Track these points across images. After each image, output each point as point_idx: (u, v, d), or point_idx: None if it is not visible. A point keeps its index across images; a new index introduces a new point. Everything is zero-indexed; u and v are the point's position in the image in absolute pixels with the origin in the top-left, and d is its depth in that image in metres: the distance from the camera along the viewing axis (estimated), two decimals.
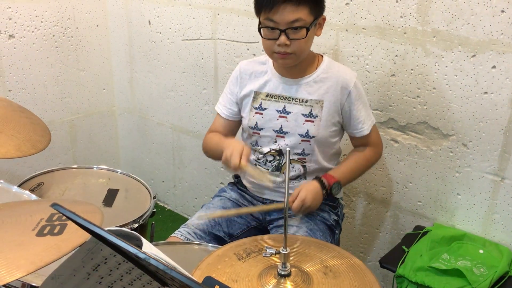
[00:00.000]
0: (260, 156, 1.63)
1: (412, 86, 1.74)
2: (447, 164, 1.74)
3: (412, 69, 1.73)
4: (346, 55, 1.87)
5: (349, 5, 1.81)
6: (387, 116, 1.83)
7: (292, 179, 1.61)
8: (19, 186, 1.68)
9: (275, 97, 1.58)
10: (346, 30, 1.84)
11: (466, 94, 1.63)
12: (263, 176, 1.61)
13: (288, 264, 1.10)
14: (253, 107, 1.61)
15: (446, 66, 1.65)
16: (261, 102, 1.60)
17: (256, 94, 1.61)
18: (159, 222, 2.69)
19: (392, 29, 1.73)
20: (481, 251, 1.61)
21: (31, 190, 1.71)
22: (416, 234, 1.74)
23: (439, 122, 1.72)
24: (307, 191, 1.50)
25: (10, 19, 2.32)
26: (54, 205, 0.66)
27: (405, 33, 1.70)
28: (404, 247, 1.67)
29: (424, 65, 1.69)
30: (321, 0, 1.46)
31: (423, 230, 1.75)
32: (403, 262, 1.60)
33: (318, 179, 1.55)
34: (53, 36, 2.50)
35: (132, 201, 1.79)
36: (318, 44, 1.92)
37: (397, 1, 1.69)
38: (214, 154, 1.64)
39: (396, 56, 1.75)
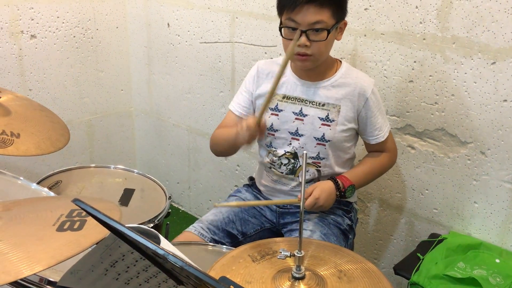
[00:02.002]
0: (275, 159, 1.63)
1: (430, 93, 1.73)
2: (465, 171, 1.73)
3: (430, 75, 1.72)
4: (364, 60, 1.87)
5: (368, 10, 1.81)
6: (404, 122, 1.82)
7: (305, 182, 1.61)
8: (38, 183, 1.70)
9: (292, 99, 1.58)
10: (365, 35, 1.84)
11: (485, 102, 1.62)
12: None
13: (302, 267, 1.10)
14: (269, 107, 1.61)
15: (465, 73, 1.63)
16: (277, 103, 1.60)
17: None
18: (173, 223, 2.69)
19: (411, 35, 1.72)
20: (497, 260, 1.59)
21: (49, 188, 1.74)
22: (432, 242, 1.72)
23: (457, 129, 1.71)
24: (322, 190, 1.50)
25: (32, 19, 2.37)
26: (75, 201, 0.68)
27: (424, 39, 1.70)
28: (419, 255, 1.66)
29: (443, 72, 1.68)
30: (344, 4, 1.46)
31: (439, 238, 1.74)
32: (417, 269, 1.58)
33: (333, 180, 1.55)
34: (74, 37, 2.54)
35: (147, 201, 1.80)
36: (336, 49, 1.92)
37: (416, 7, 1.69)
38: (225, 143, 1.59)
39: (415, 62, 1.74)
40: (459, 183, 1.75)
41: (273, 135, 1.61)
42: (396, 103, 1.83)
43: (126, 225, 0.67)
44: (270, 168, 1.65)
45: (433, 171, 1.81)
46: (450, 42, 1.64)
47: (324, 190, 1.50)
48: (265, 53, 2.19)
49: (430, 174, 1.82)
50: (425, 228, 1.89)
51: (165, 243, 0.83)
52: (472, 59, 1.61)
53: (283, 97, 1.59)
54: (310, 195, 1.49)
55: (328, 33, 1.42)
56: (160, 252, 0.64)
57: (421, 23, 1.69)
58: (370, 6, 1.80)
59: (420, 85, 1.75)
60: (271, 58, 2.15)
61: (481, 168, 1.68)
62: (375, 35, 1.81)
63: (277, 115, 1.60)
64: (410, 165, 1.86)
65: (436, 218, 1.85)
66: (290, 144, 1.60)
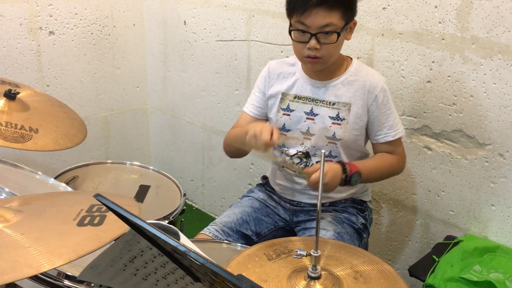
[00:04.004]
0: (287, 158, 1.63)
1: (448, 93, 1.72)
2: (482, 174, 1.71)
3: (449, 76, 1.70)
4: (381, 60, 1.86)
5: (386, 10, 1.80)
6: (421, 123, 1.81)
7: None
8: (55, 178, 1.72)
9: (303, 99, 1.58)
10: (382, 34, 1.83)
11: (505, 103, 1.60)
12: (288, 163, 1.60)
13: (318, 267, 1.09)
14: (281, 108, 1.61)
15: (485, 74, 1.61)
16: (288, 104, 1.60)
17: (284, 95, 1.61)
18: (186, 220, 2.71)
19: (430, 35, 1.71)
20: None
21: (67, 183, 1.75)
22: (447, 244, 1.71)
23: (475, 130, 1.69)
24: (329, 167, 1.45)
25: (51, 16, 2.39)
26: (97, 196, 0.68)
27: (443, 39, 1.68)
28: (434, 257, 1.65)
29: (461, 72, 1.66)
30: (354, 5, 1.45)
31: (455, 240, 1.72)
32: (433, 271, 1.57)
33: (341, 163, 1.50)
34: (91, 33, 2.56)
35: (162, 197, 1.81)
36: (353, 48, 1.91)
37: (436, 7, 1.67)
38: (237, 142, 1.58)
39: (433, 62, 1.72)
40: (476, 185, 1.73)
41: (285, 135, 1.61)
42: (413, 103, 1.81)
43: (148, 221, 0.67)
44: (283, 167, 1.65)
45: (449, 173, 1.79)
46: (469, 43, 1.62)
47: (331, 168, 1.45)
48: (281, 51, 2.18)
49: (446, 175, 1.80)
50: (440, 230, 1.87)
51: (184, 240, 0.83)
52: (492, 60, 1.59)
53: (294, 97, 1.59)
54: (317, 170, 1.44)
55: (338, 35, 1.42)
56: (181, 248, 0.64)
57: (440, 23, 1.67)
58: (389, 5, 1.79)
59: (438, 85, 1.73)
60: (287, 56, 2.14)
61: (499, 171, 1.66)
62: (393, 35, 1.80)
63: (289, 115, 1.59)
64: (427, 166, 1.85)
65: (452, 220, 1.83)
66: (303, 143, 1.59)
